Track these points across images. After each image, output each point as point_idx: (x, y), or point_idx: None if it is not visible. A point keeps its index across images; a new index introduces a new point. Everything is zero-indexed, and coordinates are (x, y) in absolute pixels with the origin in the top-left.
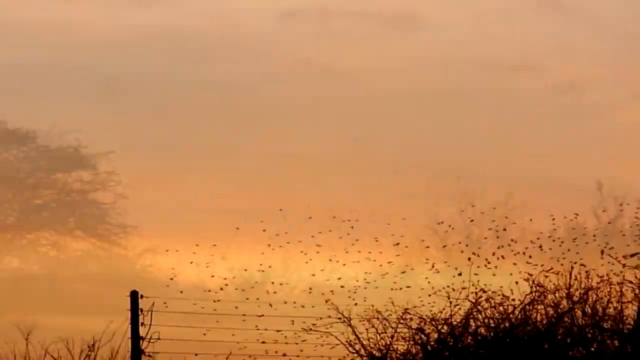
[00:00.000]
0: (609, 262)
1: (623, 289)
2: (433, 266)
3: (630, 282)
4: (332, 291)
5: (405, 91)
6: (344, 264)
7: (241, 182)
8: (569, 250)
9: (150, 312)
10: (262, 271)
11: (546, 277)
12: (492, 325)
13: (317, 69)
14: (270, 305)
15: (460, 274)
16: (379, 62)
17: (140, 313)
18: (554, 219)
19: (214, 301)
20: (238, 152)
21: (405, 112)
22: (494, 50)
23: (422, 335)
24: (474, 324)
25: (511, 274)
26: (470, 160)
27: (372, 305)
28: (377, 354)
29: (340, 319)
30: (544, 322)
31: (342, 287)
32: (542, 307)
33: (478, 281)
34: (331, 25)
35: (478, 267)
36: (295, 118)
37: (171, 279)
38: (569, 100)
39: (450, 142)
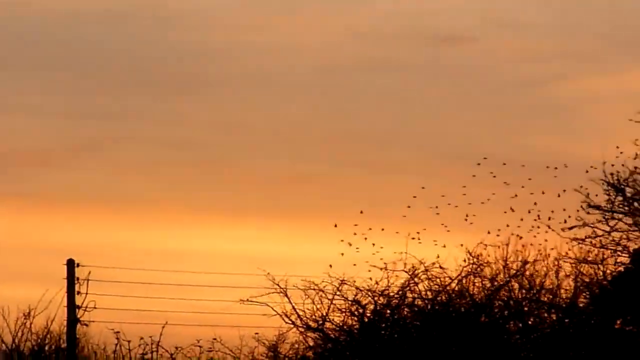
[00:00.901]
0: (546, 232)
1: (560, 262)
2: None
3: (567, 255)
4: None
5: (344, 63)
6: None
7: None
8: (507, 225)
9: (86, 281)
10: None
11: (484, 249)
12: (429, 297)
13: (259, 40)
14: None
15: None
16: (318, 34)
17: (76, 282)
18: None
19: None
20: None
21: (343, 83)
22: (432, 21)
23: (359, 307)
24: (410, 296)
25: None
26: (405, 132)
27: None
28: (313, 325)
29: (276, 289)
30: (481, 294)
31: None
32: (479, 279)
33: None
34: None
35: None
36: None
37: None
38: (508, 72)
39: (389, 112)
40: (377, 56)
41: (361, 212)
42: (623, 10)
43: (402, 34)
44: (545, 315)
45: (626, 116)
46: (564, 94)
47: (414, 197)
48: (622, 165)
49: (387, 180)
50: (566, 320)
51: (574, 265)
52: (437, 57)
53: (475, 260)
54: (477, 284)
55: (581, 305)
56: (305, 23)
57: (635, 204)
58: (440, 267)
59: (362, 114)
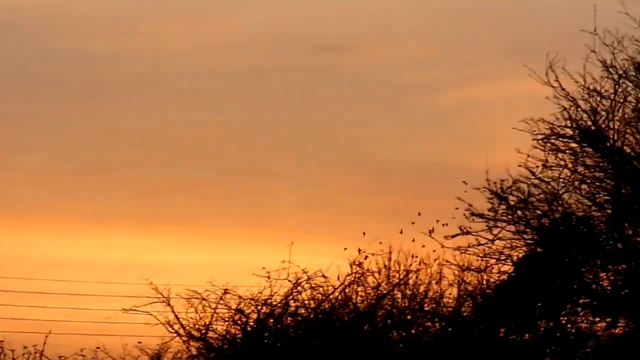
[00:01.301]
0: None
1: (442, 271)
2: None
3: (450, 263)
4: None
5: (231, 68)
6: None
7: None
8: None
9: None
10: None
11: (366, 258)
12: (312, 306)
13: (149, 44)
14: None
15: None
16: (208, 38)
17: None
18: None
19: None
20: None
21: (230, 88)
22: (316, 28)
23: (242, 316)
24: (293, 305)
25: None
26: (292, 139)
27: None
28: (196, 334)
29: (159, 298)
30: (365, 303)
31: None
32: (362, 288)
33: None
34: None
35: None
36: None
37: None
38: (388, 80)
39: (273, 119)
40: (258, 63)
41: (364, 234)
42: (506, 18)
43: (283, 41)
44: (429, 324)
45: (510, 124)
46: (447, 101)
47: (413, 223)
48: (506, 171)
49: (269, 186)
50: (449, 329)
51: (457, 273)
52: (318, 65)
53: (357, 269)
54: (360, 293)
55: (464, 314)
56: (188, 29)
57: (519, 212)
58: (323, 276)
59: (246, 121)
